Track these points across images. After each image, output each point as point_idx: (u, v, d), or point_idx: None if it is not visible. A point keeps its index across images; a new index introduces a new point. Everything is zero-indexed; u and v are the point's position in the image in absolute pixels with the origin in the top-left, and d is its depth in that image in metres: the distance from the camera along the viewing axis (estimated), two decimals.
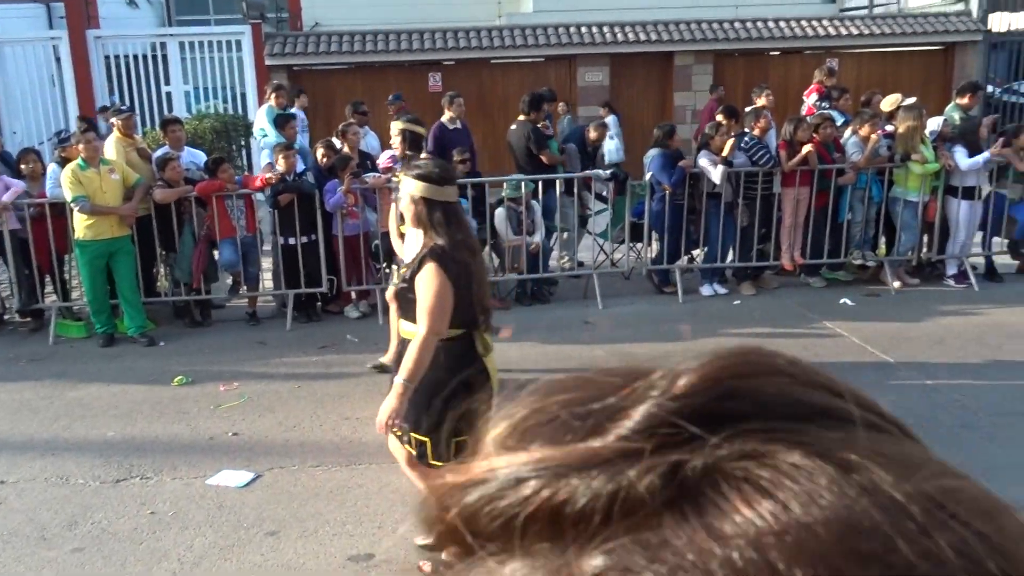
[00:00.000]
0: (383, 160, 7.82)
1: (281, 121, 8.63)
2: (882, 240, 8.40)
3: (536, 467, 0.32)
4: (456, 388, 3.18)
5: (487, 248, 8.00)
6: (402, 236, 3.56)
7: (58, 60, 13.30)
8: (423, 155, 6.36)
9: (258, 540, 4.12)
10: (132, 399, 5.95)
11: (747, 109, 8.57)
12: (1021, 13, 17.38)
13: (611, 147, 10.84)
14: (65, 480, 4.79)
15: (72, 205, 6.84)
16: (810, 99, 9.65)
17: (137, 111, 11.88)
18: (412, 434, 3.42)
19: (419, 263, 3.33)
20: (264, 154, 9.20)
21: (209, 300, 7.71)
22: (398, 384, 3.34)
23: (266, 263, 7.89)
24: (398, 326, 3.67)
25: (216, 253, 7.55)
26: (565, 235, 8.35)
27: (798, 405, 0.32)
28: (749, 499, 0.28)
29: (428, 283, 3.28)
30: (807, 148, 7.65)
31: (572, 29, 14.12)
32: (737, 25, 14.32)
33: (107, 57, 13.43)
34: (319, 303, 7.76)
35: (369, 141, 8.88)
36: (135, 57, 13.53)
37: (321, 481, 4.70)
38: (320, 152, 7.71)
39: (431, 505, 0.35)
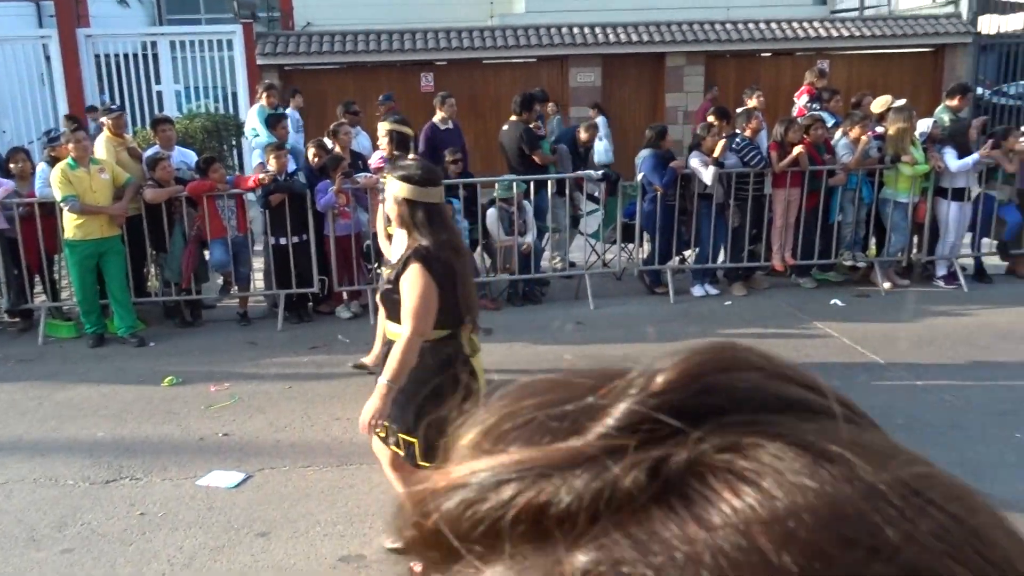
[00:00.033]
0: (375, 160, 7.80)
1: (273, 121, 8.60)
2: (872, 241, 8.43)
3: (517, 469, 0.31)
4: (443, 388, 3.18)
5: (479, 248, 8.01)
6: (389, 237, 3.56)
7: (48, 59, 13.24)
8: (410, 156, 6.35)
9: (248, 541, 4.11)
10: (122, 400, 5.92)
11: (738, 110, 8.60)
12: (1010, 16, 17.49)
13: (599, 148, 10.86)
14: (54, 481, 4.77)
15: (62, 205, 6.81)
16: (801, 100, 9.69)
17: (127, 110, 11.82)
18: (400, 435, 3.42)
19: (403, 264, 3.33)
20: (256, 154, 9.18)
21: (200, 300, 7.68)
22: (381, 385, 3.34)
23: (257, 263, 7.87)
24: (384, 327, 3.67)
25: (207, 253, 7.53)
26: (557, 235, 8.35)
27: (774, 398, 0.32)
28: (735, 489, 0.29)
29: (413, 284, 3.28)
30: (798, 149, 7.67)
31: (564, 30, 14.13)
32: (728, 26, 14.36)
33: (97, 56, 13.38)
34: (310, 303, 7.74)
35: (361, 141, 8.85)
36: (125, 56, 13.48)
37: (312, 481, 4.69)
38: (311, 152, 7.70)
39: (408, 511, 0.35)
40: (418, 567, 0.35)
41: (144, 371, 6.42)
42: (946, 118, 8.43)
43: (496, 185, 7.89)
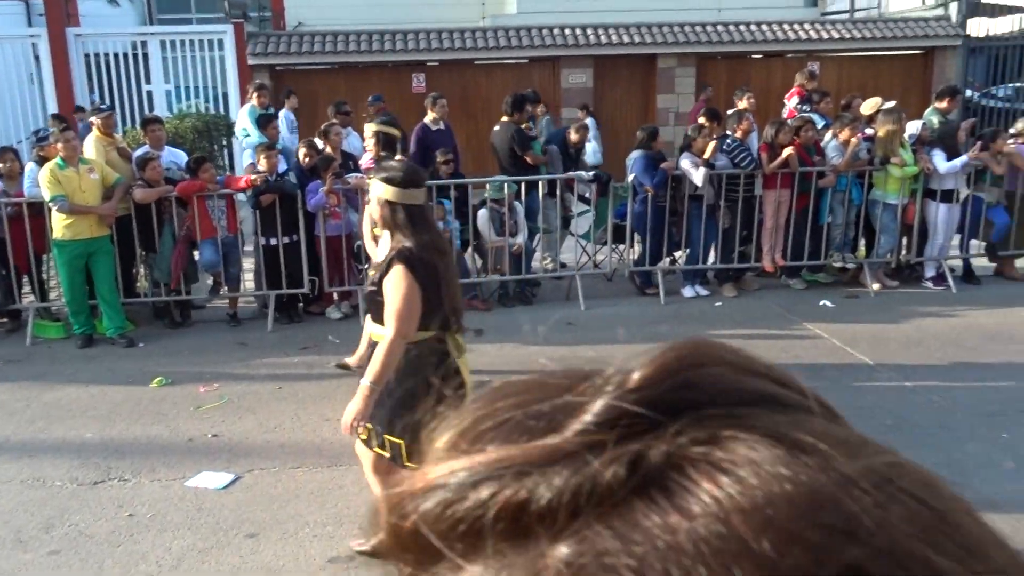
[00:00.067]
0: (365, 161, 7.79)
1: (263, 121, 8.59)
2: (861, 242, 8.47)
3: (495, 468, 0.32)
4: (429, 389, 3.18)
5: (470, 249, 8.01)
6: (376, 239, 3.56)
7: (37, 58, 13.19)
8: (397, 157, 6.36)
9: (237, 542, 4.10)
10: (111, 400, 5.90)
11: (729, 112, 8.62)
12: (999, 19, 17.59)
13: (588, 150, 10.87)
14: (42, 482, 4.74)
15: (50, 204, 6.78)
16: (791, 102, 9.72)
17: (117, 110, 11.78)
18: (386, 436, 3.42)
19: (387, 265, 3.32)
20: (246, 154, 9.16)
21: (189, 301, 7.65)
22: (363, 386, 3.33)
23: (248, 263, 7.84)
24: (368, 328, 3.66)
25: (196, 253, 7.50)
26: (548, 236, 8.36)
27: (748, 392, 0.33)
28: (714, 479, 0.29)
29: (396, 285, 3.27)
30: (788, 151, 7.70)
31: (556, 31, 14.14)
32: (720, 28, 14.40)
33: (87, 55, 13.33)
34: (301, 304, 7.73)
35: (352, 141, 8.84)
36: (115, 55, 13.43)
37: (302, 483, 4.68)
38: (302, 152, 7.68)
39: (385, 513, 0.35)
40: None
41: (133, 372, 6.40)
42: (935, 120, 8.47)
43: (487, 186, 7.89)
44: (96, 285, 7.03)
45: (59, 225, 6.82)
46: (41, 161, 7.07)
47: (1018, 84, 15.65)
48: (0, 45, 13.24)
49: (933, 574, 0.27)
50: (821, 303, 7.75)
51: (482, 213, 7.79)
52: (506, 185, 7.74)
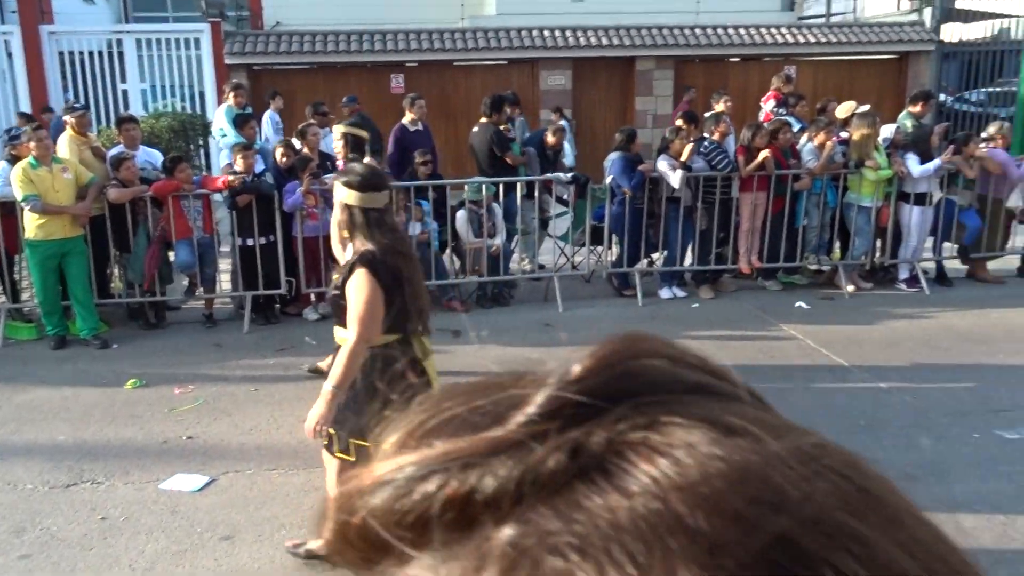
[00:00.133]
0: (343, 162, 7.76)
1: (240, 121, 8.53)
2: (836, 245, 8.55)
3: (441, 461, 0.32)
4: (394, 392, 3.17)
5: (448, 250, 8.00)
6: (344, 242, 3.55)
7: (9, 56, 13.01)
8: (366, 158, 6.34)
9: (212, 545, 4.07)
10: (84, 402, 5.83)
11: (706, 114, 8.68)
12: (973, 24, 17.84)
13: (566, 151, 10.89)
14: (13, 486, 4.68)
15: (23, 204, 6.69)
16: (767, 105, 9.80)
17: (92, 109, 11.65)
18: (352, 440, 3.40)
19: (349, 269, 3.31)
20: (223, 154, 9.09)
21: (164, 302, 7.58)
22: (326, 391, 3.32)
23: (224, 264, 7.79)
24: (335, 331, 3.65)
25: (172, 254, 7.44)
26: (526, 238, 8.37)
27: (684, 382, 0.35)
28: (651, 461, 0.30)
29: (359, 289, 3.27)
30: (764, 154, 7.76)
31: (535, 32, 14.17)
32: (698, 31, 14.49)
33: (61, 53, 13.17)
34: (277, 305, 7.68)
35: (329, 142, 8.80)
36: (90, 54, 13.29)
37: (277, 485, 4.65)
38: (279, 152, 7.64)
39: (334, 512, 0.35)
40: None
41: (107, 373, 6.33)
42: (909, 124, 8.57)
43: (466, 187, 7.89)
44: (69, 286, 6.94)
45: (31, 225, 6.73)
46: (13, 160, 6.98)
47: (991, 89, 15.88)
48: None
49: (856, 541, 0.29)
50: (796, 305, 7.82)
51: (460, 214, 7.79)
52: (484, 186, 7.74)
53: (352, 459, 3.43)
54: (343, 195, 3.36)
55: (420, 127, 8.75)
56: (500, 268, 7.96)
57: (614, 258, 8.27)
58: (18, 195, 6.66)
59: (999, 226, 8.51)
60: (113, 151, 7.54)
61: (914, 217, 8.15)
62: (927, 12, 15.32)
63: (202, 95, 13.45)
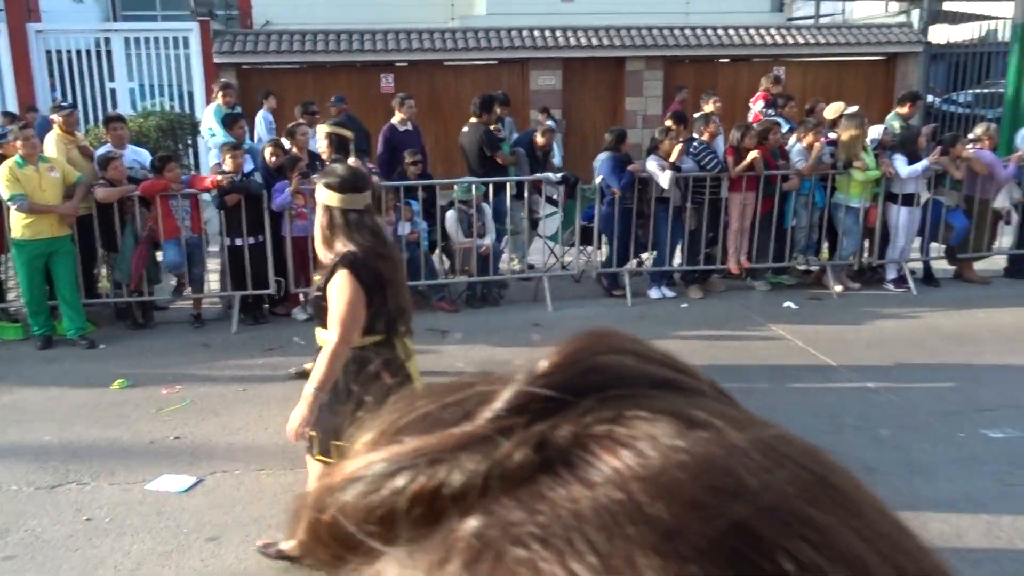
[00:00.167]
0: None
1: (229, 120, 8.51)
2: (825, 245, 8.58)
3: (410, 457, 0.33)
4: (377, 394, 3.16)
5: (437, 250, 8.00)
6: (327, 244, 3.54)
7: None
8: (351, 159, 6.32)
9: (198, 546, 4.05)
10: (70, 403, 5.80)
11: (696, 115, 8.70)
12: (960, 26, 17.94)
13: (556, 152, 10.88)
14: None
15: (9, 203, 6.65)
16: (756, 106, 9.83)
17: (80, 108, 11.60)
18: (334, 442, 3.39)
19: (331, 270, 3.30)
20: (212, 154, 9.07)
21: (152, 302, 7.55)
22: (307, 393, 3.31)
23: (213, 264, 7.76)
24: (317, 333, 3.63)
25: (159, 254, 7.41)
26: (515, 238, 8.37)
27: (649, 377, 0.35)
28: (615, 453, 0.31)
29: (340, 291, 3.26)
30: (753, 154, 7.78)
31: (525, 32, 14.17)
32: (688, 32, 14.52)
33: (48, 52, 13.10)
34: (266, 305, 7.66)
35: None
36: (78, 52, 13.22)
37: (265, 485, 4.64)
38: (268, 152, 7.62)
39: (305, 510, 0.36)
40: None
41: (93, 374, 6.29)
42: (897, 125, 8.61)
43: (455, 187, 7.88)
44: (56, 285, 6.90)
45: (18, 224, 6.69)
46: (0, 159, 6.94)
47: (978, 90, 15.98)
48: None
49: (812, 528, 0.29)
50: (785, 305, 7.85)
51: (450, 214, 7.79)
52: (474, 186, 7.74)
53: (332, 461, 3.42)
54: (324, 197, 3.35)
55: (409, 127, 8.74)
56: (490, 268, 7.95)
57: (603, 258, 8.28)
58: (4, 194, 6.63)
59: (986, 227, 8.56)
60: (101, 150, 7.51)
61: (902, 218, 8.19)
62: (915, 14, 15.41)
63: (191, 94, 13.41)
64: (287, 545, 3.67)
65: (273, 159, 7.49)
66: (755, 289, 8.35)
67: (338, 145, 6.59)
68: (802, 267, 8.58)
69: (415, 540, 0.31)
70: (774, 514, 0.29)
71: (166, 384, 6.06)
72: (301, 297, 7.61)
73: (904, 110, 8.78)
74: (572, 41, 14.11)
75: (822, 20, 19.00)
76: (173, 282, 7.81)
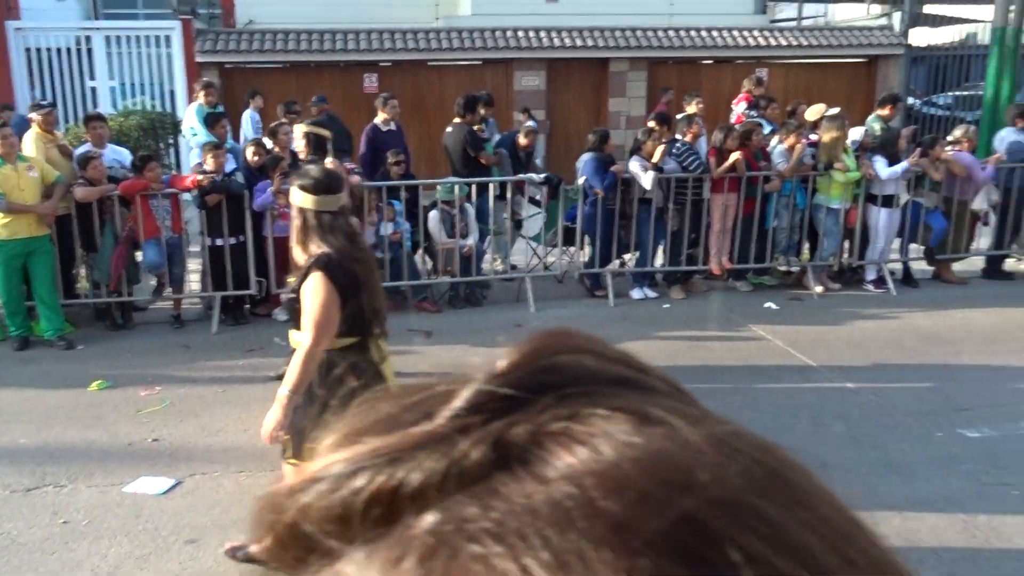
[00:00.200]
0: None
1: (211, 120, 8.46)
2: (805, 246, 8.63)
3: (369, 457, 0.33)
4: (352, 396, 3.15)
5: (420, 250, 7.98)
6: (304, 245, 3.52)
7: None
8: (328, 160, 6.28)
9: (176, 548, 4.03)
10: (47, 404, 5.75)
11: (679, 116, 8.73)
12: (941, 29, 18.11)
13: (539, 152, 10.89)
14: None
15: None
16: (739, 107, 9.88)
17: (60, 106, 11.49)
18: (308, 445, 3.38)
19: (305, 272, 3.29)
20: (194, 153, 9.01)
21: (131, 302, 7.49)
22: (282, 395, 3.30)
23: (194, 264, 7.71)
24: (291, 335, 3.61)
25: (139, 254, 7.35)
26: (498, 238, 8.37)
27: (606, 376, 0.36)
28: (570, 450, 0.31)
29: (314, 293, 3.24)
30: (735, 156, 7.82)
31: (509, 33, 14.17)
32: (671, 33, 14.57)
33: (28, 50, 12.97)
34: (247, 306, 7.62)
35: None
36: (58, 50, 13.10)
37: (245, 487, 4.62)
38: (250, 151, 7.58)
39: (266, 512, 0.36)
40: None
41: (71, 375, 6.24)
42: (877, 127, 8.68)
43: (438, 187, 7.87)
44: (34, 286, 6.84)
45: None
46: None
47: (958, 93, 16.12)
48: None
49: (761, 520, 0.30)
50: (766, 305, 7.89)
51: (433, 215, 7.77)
52: (457, 187, 7.73)
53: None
54: (298, 199, 3.34)
55: (393, 127, 8.73)
56: (472, 269, 7.95)
57: (586, 259, 8.29)
58: None
59: (964, 228, 8.65)
60: (80, 149, 7.44)
61: (881, 219, 8.25)
62: (896, 17, 15.54)
63: (172, 93, 13.32)
64: (256, 548, 3.65)
65: (255, 159, 7.45)
66: (737, 290, 8.39)
67: (316, 144, 6.56)
68: (783, 268, 8.63)
69: (375, 540, 0.32)
70: (723, 507, 0.29)
71: (145, 385, 6.01)
72: (283, 298, 7.58)
73: (885, 112, 8.85)
74: (556, 42, 14.13)
75: (804, 22, 19.12)
76: (153, 282, 7.75)
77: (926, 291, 8.43)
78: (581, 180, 7.95)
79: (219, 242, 7.26)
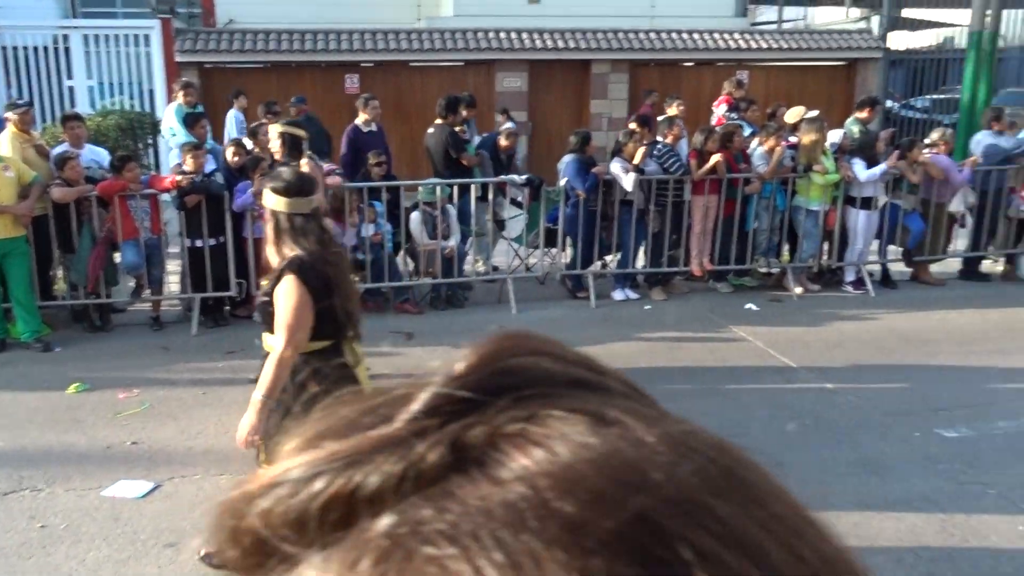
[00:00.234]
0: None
1: (191, 120, 8.40)
2: (785, 247, 8.69)
3: (327, 461, 0.33)
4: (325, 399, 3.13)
5: (402, 252, 7.96)
6: (278, 247, 3.50)
7: None
8: (303, 160, 6.24)
9: (155, 552, 3.99)
10: (24, 407, 5.68)
11: (660, 118, 8.77)
12: (919, 33, 18.30)
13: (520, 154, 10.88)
14: None
15: None
16: (719, 110, 9.93)
17: (36, 106, 11.36)
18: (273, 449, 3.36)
19: (278, 275, 3.27)
20: (173, 153, 8.94)
21: (109, 304, 7.42)
22: (255, 400, 3.28)
23: (173, 266, 7.65)
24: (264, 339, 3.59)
25: (117, 255, 7.28)
26: (480, 239, 8.36)
27: (564, 377, 0.36)
28: (525, 451, 0.32)
29: (287, 296, 3.23)
30: (716, 158, 7.86)
31: (491, 34, 14.17)
32: (652, 36, 14.62)
33: (4, 48, 12.82)
34: (227, 307, 7.57)
35: None
36: (35, 49, 12.95)
37: (224, 490, 4.57)
38: (230, 152, 7.53)
39: (225, 517, 0.36)
40: None
41: (49, 377, 6.17)
42: (856, 130, 8.76)
43: (419, 188, 7.86)
44: (10, 287, 6.76)
45: None
46: None
47: (935, 96, 16.30)
48: None
49: (713, 518, 0.30)
50: (746, 306, 7.94)
51: (414, 216, 7.76)
52: (439, 188, 7.72)
53: None
54: (270, 201, 3.32)
55: (374, 128, 8.70)
56: (454, 270, 7.94)
57: (568, 260, 8.31)
58: None
59: (942, 230, 8.74)
60: (57, 149, 7.36)
61: (860, 221, 8.32)
62: (875, 20, 15.70)
63: (151, 93, 13.20)
64: (217, 554, 3.62)
65: (235, 159, 7.40)
66: (717, 291, 8.43)
67: (291, 145, 6.52)
68: (763, 269, 8.69)
69: (333, 543, 0.32)
70: (677, 505, 0.30)
71: (123, 388, 5.96)
72: (256, 301, 7.52)
73: (863, 115, 8.93)
74: (538, 43, 14.15)
75: (784, 25, 19.27)
76: (132, 284, 7.68)
77: (904, 292, 8.52)
78: (563, 181, 7.96)
79: (199, 243, 7.21)
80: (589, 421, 0.33)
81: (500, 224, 8.57)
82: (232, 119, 10.31)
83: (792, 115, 8.89)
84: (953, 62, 15.93)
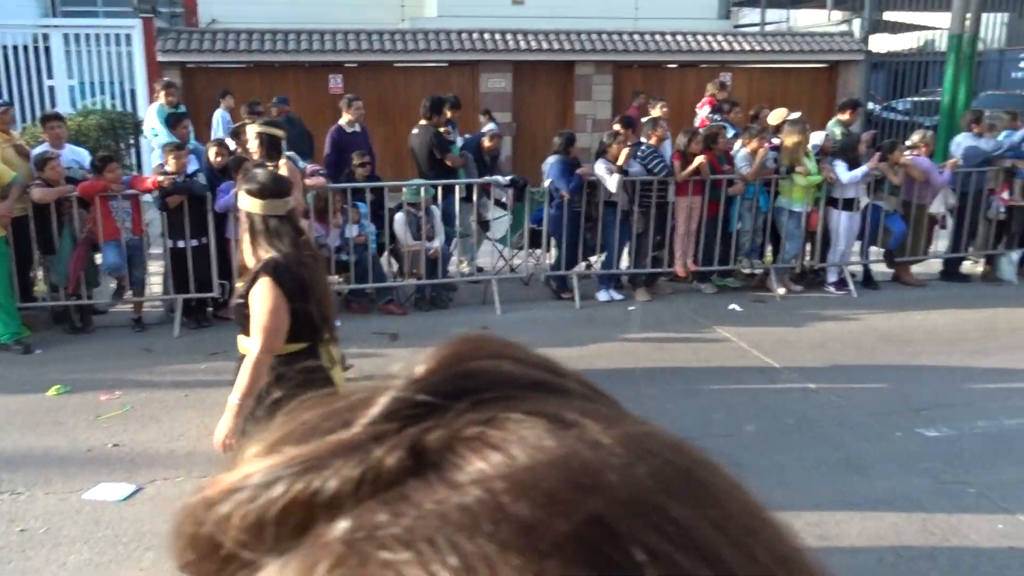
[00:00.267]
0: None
1: (173, 120, 8.34)
2: (768, 248, 8.74)
3: (287, 466, 0.33)
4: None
5: (386, 253, 7.95)
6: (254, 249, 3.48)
7: None
8: (282, 160, 6.20)
9: (137, 556, 3.96)
10: (4, 410, 5.62)
11: (643, 119, 8.80)
12: (900, 35, 18.45)
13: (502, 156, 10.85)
14: None
15: None
16: (703, 111, 9.97)
17: (16, 106, 11.25)
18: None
19: (253, 277, 3.25)
20: (155, 154, 8.88)
21: (90, 305, 7.36)
22: (232, 403, 3.26)
23: (155, 267, 7.59)
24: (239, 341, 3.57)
25: (98, 256, 7.22)
26: (464, 240, 8.36)
27: (523, 380, 0.36)
28: (482, 454, 0.32)
29: (262, 299, 3.20)
30: (699, 159, 7.90)
31: (475, 35, 14.17)
32: (636, 37, 14.67)
33: None
34: (210, 308, 7.52)
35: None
36: (15, 48, 12.83)
37: (187, 495, 4.54)
38: (213, 152, 7.49)
39: (184, 524, 0.35)
40: None
41: (29, 379, 6.11)
42: (838, 132, 8.82)
43: (404, 189, 7.84)
44: None
45: None
46: None
47: (916, 98, 16.45)
48: None
49: (667, 519, 0.30)
50: (730, 307, 7.97)
51: (399, 217, 7.74)
52: (423, 189, 7.71)
53: None
54: (245, 203, 3.30)
55: (357, 128, 8.67)
56: (439, 271, 7.93)
57: (552, 261, 8.31)
58: None
59: (923, 231, 8.83)
60: (37, 150, 7.29)
61: (842, 222, 8.38)
62: (856, 23, 15.82)
63: (133, 93, 13.11)
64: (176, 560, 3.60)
65: (218, 159, 7.36)
66: (701, 292, 8.47)
67: (270, 145, 6.50)
68: (747, 270, 8.73)
69: (291, 549, 0.32)
70: (630, 507, 0.30)
71: (105, 390, 5.90)
72: (231, 303, 7.48)
73: (845, 117, 9.00)
74: (522, 44, 14.15)
75: (767, 28, 19.38)
76: (113, 285, 7.62)
77: (886, 293, 8.58)
78: (547, 182, 7.97)
79: (181, 244, 7.17)
80: (547, 424, 0.33)
81: (484, 225, 8.56)
82: (219, 119, 10.25)
83: (775, 117, 8.95)
84: (934, 65, 16.08)
